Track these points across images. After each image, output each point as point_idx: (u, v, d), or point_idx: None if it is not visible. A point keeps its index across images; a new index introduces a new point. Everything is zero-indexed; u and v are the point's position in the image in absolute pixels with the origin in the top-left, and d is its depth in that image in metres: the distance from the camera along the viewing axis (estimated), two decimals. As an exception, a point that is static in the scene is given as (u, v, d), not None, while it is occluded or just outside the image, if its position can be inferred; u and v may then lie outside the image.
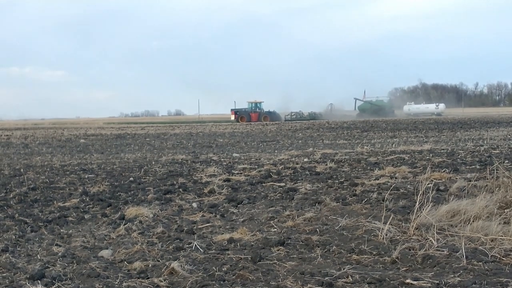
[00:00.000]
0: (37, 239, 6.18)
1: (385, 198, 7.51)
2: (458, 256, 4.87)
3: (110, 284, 4.53)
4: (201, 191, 9.29)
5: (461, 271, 4.54)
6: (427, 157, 13.75)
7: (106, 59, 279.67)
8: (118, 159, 16.01)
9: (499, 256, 4.88)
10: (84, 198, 8.75)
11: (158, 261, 5.15)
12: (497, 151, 14.97)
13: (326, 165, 12.45)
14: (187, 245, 5.67)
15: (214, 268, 4.87)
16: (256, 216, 7.09)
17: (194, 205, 8.05)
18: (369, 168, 11.86)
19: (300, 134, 32.19)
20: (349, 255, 5.20)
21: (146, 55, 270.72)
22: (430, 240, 5.30)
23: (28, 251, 5.66)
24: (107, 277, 4.73)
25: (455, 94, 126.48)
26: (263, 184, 9.89)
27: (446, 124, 38.02)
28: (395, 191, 8.31)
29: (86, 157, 17.22)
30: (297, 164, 12.98)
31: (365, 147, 18.57)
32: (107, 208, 7.94)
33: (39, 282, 4.53)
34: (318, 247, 5.48)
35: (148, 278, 4.68)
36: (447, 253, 4.99)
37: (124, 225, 6.67)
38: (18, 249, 5.77)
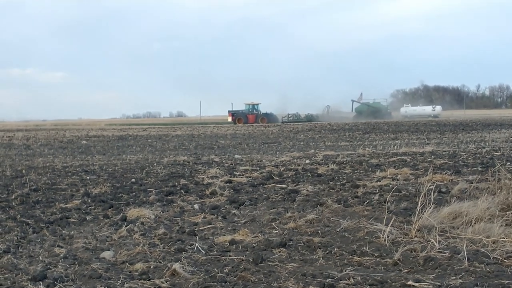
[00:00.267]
0: (39, 240, 6.18)
1: (387, 200, 7.51)
2: (459, 258, 4.87)
3: (112, 286, 4.53)
4: (202, 192, 9.29)
5: (463, 273, 4.54)
6: (429, 159, 13.74)
7: (107, 60, 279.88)
8: (120, 161, 16.02)
9: (501, 258, 4.88)
10: (86, 200, 8.76)
11: (160, 262, 5.15)
12: (499, 153, 14.95)
13: (328, 167, 12.45)
14: (189, 247, 5.67)
15: (215, 269, 4.87)
16: (257, 217, 7.09)
17: (196, 206, 8.05)
18: (370, 170, 11.85)
19: (301, 135, 32.20)
20: (350, 256, 5.20)
21: (147, 57, 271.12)
22: (431, 242, 5.30)
23: (30, 252, 5.66)
24: (108, 278, 4.74)
25: (457, 96, 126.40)
26: (265, 186, 9.89)
27: (448, 126, 37.98)
28: (397, 193, 8.31)
29: (88, 159, 17.23)
30: (299, 165, 12.98)
31: (367, 149, 18.56)
32: (109, 210, 7.95)
33: (41, 283, 4.54)
34: (320, 248, 5.48)
35: (149, 279, 4.68)
36: (449, 255, 4.98)
37: (126, 226, 6.67)
38: (20, 250, 5.77)
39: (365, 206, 7.47)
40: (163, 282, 4.56)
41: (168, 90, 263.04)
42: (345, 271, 4.71)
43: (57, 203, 8.45)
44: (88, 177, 11.66)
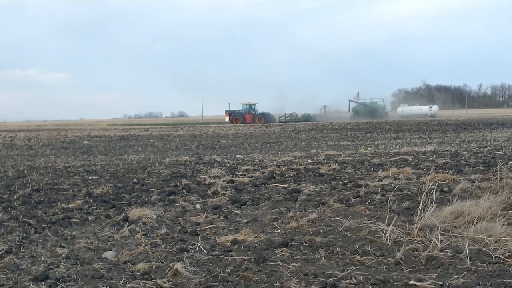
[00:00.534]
0: (41, 240, 6.19)
1: (389, 200, 7.49)
2: (462, 257, 4.86)
3: (114, 286, 4.53)
4: (204, 192, 9.30)
5: (465, 272, 4.54)
6: (431, 158, 13.72)
7: (109, 61, 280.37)
8: (122, 161, 16.03)
9: (503, 257, 4.87)
10: (88, 200, 8.76)
11: (162, 262, 5.15)
12: (501, 152, 14.93)
13: (330, 166, 12.44)
14: (191, 247, 5.67)
15: (217, 269, 4.87)
16: (259, 217, 7.09)
17: (198, 206, 8.05)
18: (372, 169, 11.84)
19: (303, 135, 32.20)
20: (352, 256, 5.19)
21: (149, 57, 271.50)
22: (433, 241, 5.29)
23: (32, 253, 5.67)
24: (110, 278, 4.74)
25: (459, 96, 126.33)
26: (267, 186, 9.89)
27: (450, 126, 37.96)
28: (399, 192, 8.30)
29: (90, 159, 17.25)
30: (301, 165, 12.97)
31: (369, 148, 18.54)
32: (111, 210, 7.95)
33: (43, 283, 4.55)
34: (322, 248, 5.48)
35: (151, 279, 4.69)
36: (451, 254, 4.98)
37: (128, 226, 6.68)
38: (22, 250, 5.78)
39: (367, 205, 7.47)
40: (165, 282, 4.57)
41: (169, 90, 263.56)
42: (347, 270, 4.71)
43: (59, 203, 8.46)
44: (90, 177, 11.67)
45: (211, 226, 6.70)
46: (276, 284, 4.48)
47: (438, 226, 5.64)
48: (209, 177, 11.16)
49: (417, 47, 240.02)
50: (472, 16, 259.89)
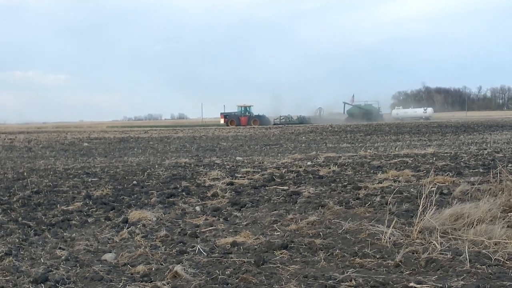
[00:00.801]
0: (41, 242, 6.19)
1: (389, 202, 7.50)
2: (461, 260, 4.86)
3: (114, 288, 4.53)
4: (204, 194, 9.29)
5: (465, 275, 4.54)
6: (431, 161, 13.73)
7: (109, 62, 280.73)
8: (122, 163, 16.02)
9: (502, 259, 4.87)
10: (88, 202, 8.76)
11: (162, 264, 5.15)
12: (501, 155, 14.93)
13: (330, 168, 12.44)
14: (190, 249, 5.67)
15: (217, 271, 4.87)
16: (259, 219, 7.09)
17: (197, 208, 8.05)
18: (372, 171, 11.84)
19: (303, 137, 32.20)
20: (352, 258, 5.19)
21: (149, 59, 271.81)
22: (433, 244, 5.29)
23: (32, 255, 5.67)
24: (110, 280, 4.74)
25: (459, 98, 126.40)
26: (266, 188, 9.89)
27: (449, 128, 37.97)
28: (399, 195, 8.30)
29: (90, 161, 17.24)
30: (300, 167, 12.97)
31: (368, 150, 18.54)
32: (111, 212, 7.95)
33: (43, 285, 4.55)
34: (322, 250, 5.48)
35: (151, 281, 4.69)
36: (451, 257, 4.98)
37: (128, 228, 6.68)
38: (22, 252, 5.78)
39: (367, 207, 7.47)
40: (164, 284, 4.57)
41: (169, 92, 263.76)
42: (347, 273, 4.71)
43: (58, 206, 8.46)
44: (89, 179, 11.67)
45: (210, 228, 6.70)
46: (276, 286, 4.48)
47: (437, 229, 5.64)
48: (208, 179, 11.16)
49: (417, 49, 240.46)
50: (471, 18, 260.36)
